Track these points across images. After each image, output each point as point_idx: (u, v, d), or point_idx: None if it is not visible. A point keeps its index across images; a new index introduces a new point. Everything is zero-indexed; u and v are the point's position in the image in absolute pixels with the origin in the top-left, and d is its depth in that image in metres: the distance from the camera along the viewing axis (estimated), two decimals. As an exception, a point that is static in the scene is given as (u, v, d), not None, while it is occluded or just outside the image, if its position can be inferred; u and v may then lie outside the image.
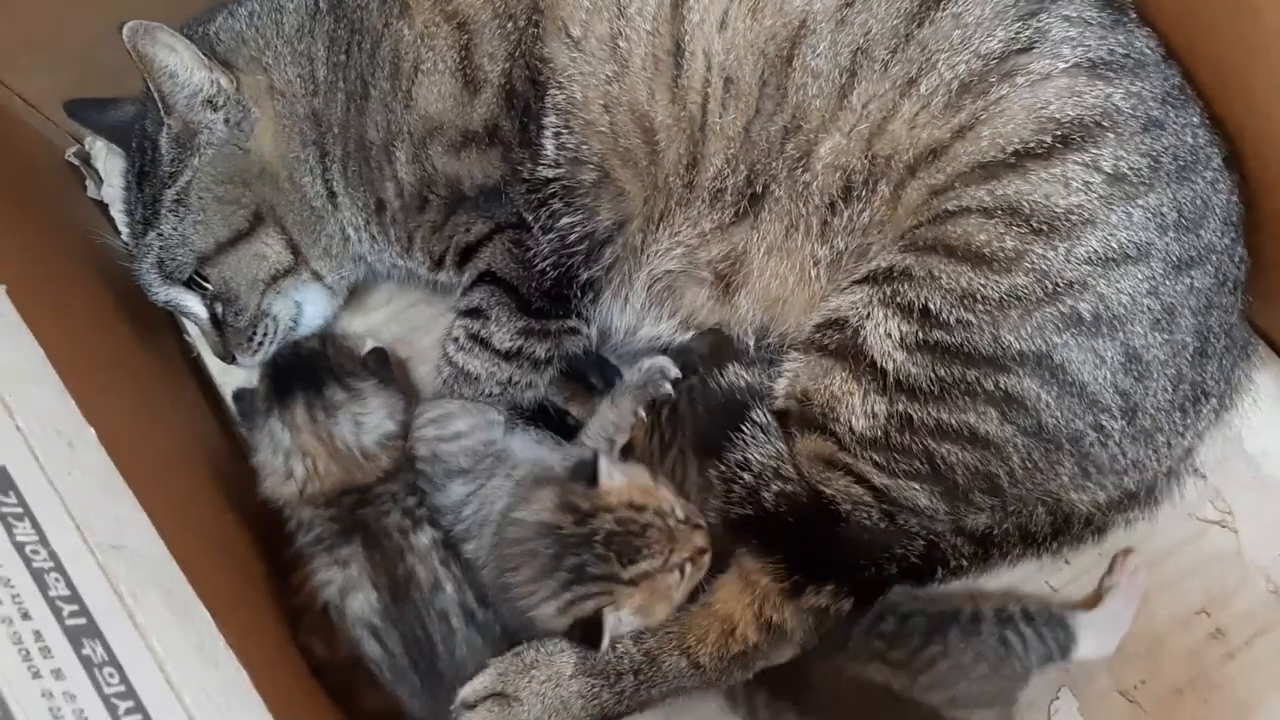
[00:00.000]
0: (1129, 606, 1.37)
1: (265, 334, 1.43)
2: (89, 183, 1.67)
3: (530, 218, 1.31)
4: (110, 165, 1.65)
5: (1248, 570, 1.42)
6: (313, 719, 1.18)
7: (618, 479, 1.23)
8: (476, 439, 1.35)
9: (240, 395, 1.40)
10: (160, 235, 1.37)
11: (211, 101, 1.32)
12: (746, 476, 1.19)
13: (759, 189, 1.26)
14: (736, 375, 1.24)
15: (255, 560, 1.36)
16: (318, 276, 1.45)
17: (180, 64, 1.29)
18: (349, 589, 1.29)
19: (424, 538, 1.34)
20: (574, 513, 1.21)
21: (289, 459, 1.34)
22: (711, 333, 1.38)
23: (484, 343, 1.36)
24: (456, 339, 1.39)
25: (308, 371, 1.38)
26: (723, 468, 1.20)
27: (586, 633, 1.20)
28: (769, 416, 1.22)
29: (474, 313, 1.37)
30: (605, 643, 1.20)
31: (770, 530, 1.19)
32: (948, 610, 1.28)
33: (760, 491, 1.18)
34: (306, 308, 1.46)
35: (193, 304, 1.43)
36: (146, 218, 1.38)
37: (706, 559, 1.24)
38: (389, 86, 1.30)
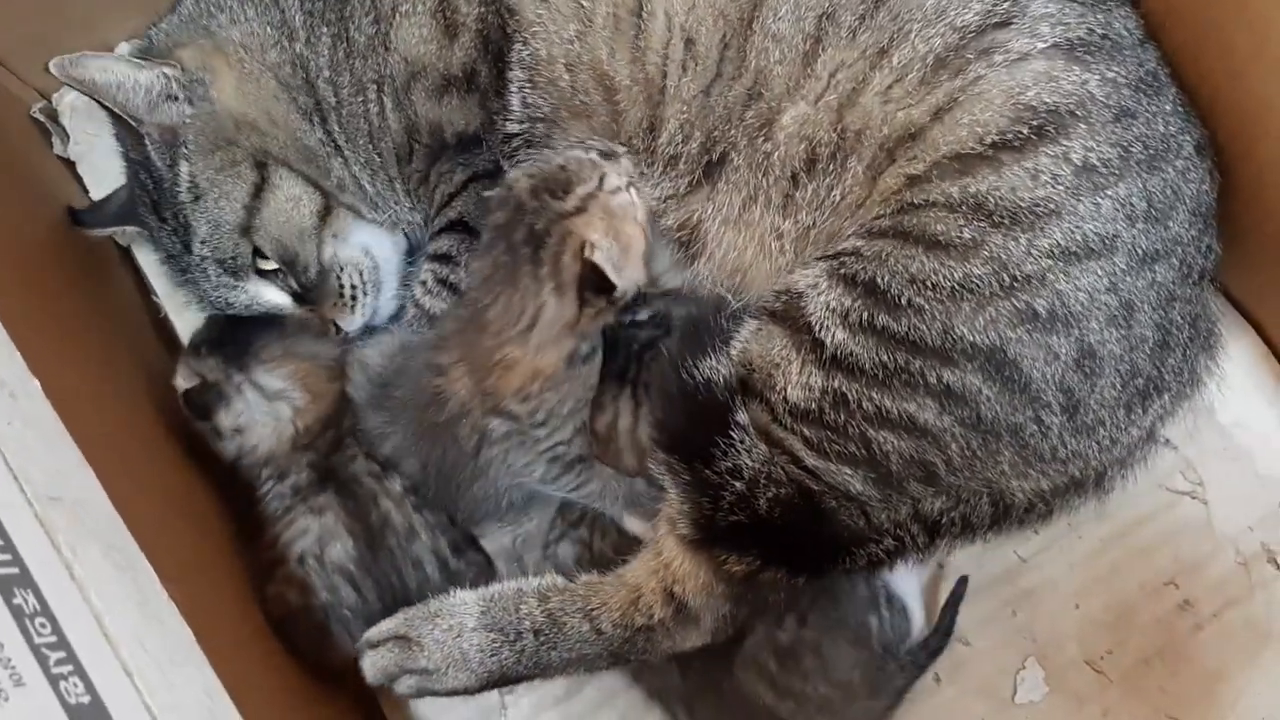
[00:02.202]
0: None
1: (352, 284, 1.40)
2: (55, 140, 1.64)
3: (505, 166, 1.32)
4: (76, 124, 1.64)
5: (1218, 541, 1.41)
6: (266, 679, 1.17)
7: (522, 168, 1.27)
8: (402, 336, 1.38)
9: (189, 394, 1.35)
10: (203, 241, 1.35)
11: (168, 94, 1.31)
12: (738, 485, 1.14)
13: (715, 157, 1.24)
14: (713, 370, 1.18)
15: (217, 521, 1.35)
16: (357, 213, 1.41)
17: (120, 74, 1.28)
18: (327, 538, 1.30)
19: (396, 484, 1.35)
20: (499, 208, 1.23)
21: (285, 395, 1.35)
22: (691, 304, 1.35)
23: (452, 288, 1.36)
24: (424, 282, 1.39)
25: (253, 318, 1.39)
26: (709, 474, 1.15)
27: (598, 285, 1.20)
28: (747, 414, 1.18)
29: (443, 258, 1.37)
30: (618, 281, 1.20)
31: (757, 534, 1.16)
32: (835, 616, 1.27)
33: (756, 499, 1.14)
34: (374, 249, 1.43)
35: (271, 294, 1.40)
36: (184, 239, 1.36)
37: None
38: (372, 31, 1.30)
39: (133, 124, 1.31)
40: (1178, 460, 1.42)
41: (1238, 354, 1.35)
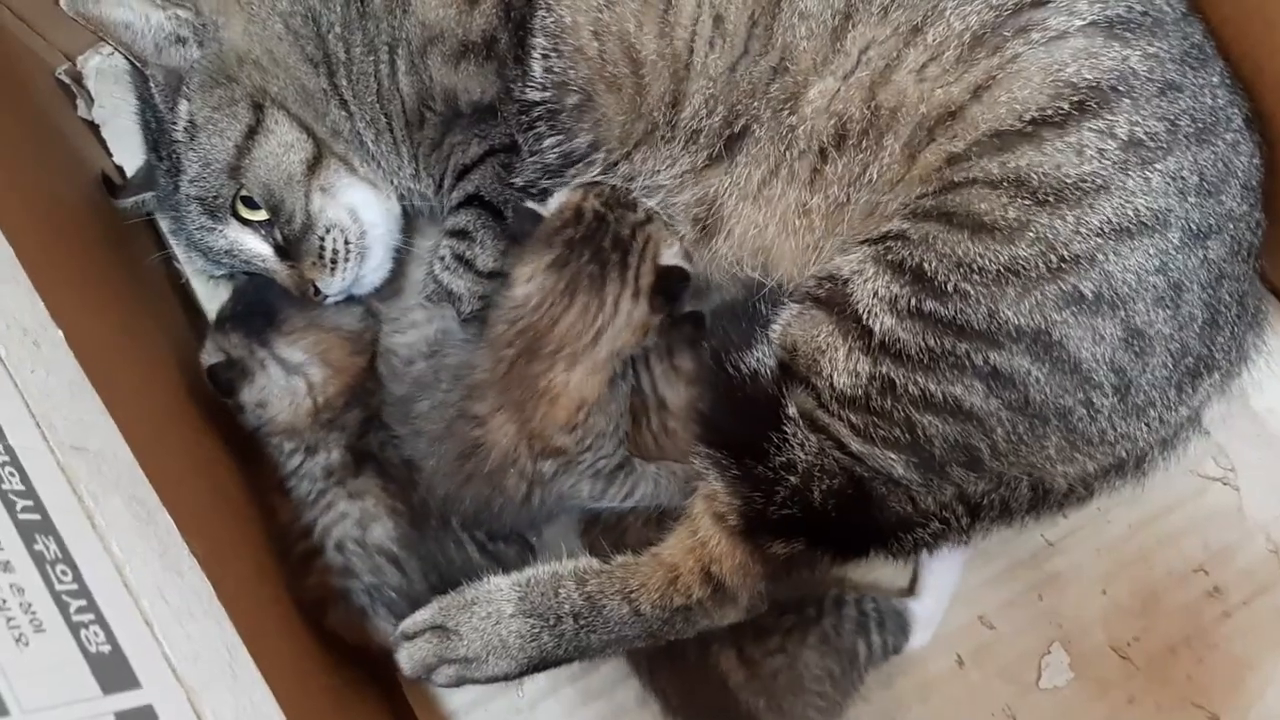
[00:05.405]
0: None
1: (335, 247, 1.35)
2: (80, 102, 1.63)
3: (520, 139, 1.29)
4: (101, 86, 1.63)
5: (1248, 528, 1.39)
6: (283, 642, 1.16)
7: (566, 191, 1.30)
8: (435, 326, 1.36)
9: (214, 369, 1.34)
10: (192, 180, 1.33)
11: (179, 38, 1.29)
12: (793, 479, 1.13)
13: (736, 130, 1.22)
14: (760, 361, 1.16)
15: (236, 486, 1.34)
16: (349, 167, 1.38)
17: (134, 12, 1.26)
18: (368, 520, 1.29)
19: None
20: (572, 223, 1.26)
21: (304, 369, 1.34)
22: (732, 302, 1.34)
23: (468, 264, 1.34)
24: (443, 258, 1.37)
25: (276, 288, 1.38)
26: (762, 470, 1.13)
27: (668, 291, 1.26)
28: (795, 405, 1.16)
29: (460, 234, 1.35)
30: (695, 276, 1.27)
31: (809, 526, 1.15)
32: (812, 604, 1.27)
33: (811, 491, 1.13)
34: (362, 212, 1.38)
35: (252, 243, 1.37)
36: (175, 179, 1.34)
37: None
38: None
39: (138, 65, 1.30)
40: (1209, 446, 1.40)
41: (1274, 340, 1.32)
